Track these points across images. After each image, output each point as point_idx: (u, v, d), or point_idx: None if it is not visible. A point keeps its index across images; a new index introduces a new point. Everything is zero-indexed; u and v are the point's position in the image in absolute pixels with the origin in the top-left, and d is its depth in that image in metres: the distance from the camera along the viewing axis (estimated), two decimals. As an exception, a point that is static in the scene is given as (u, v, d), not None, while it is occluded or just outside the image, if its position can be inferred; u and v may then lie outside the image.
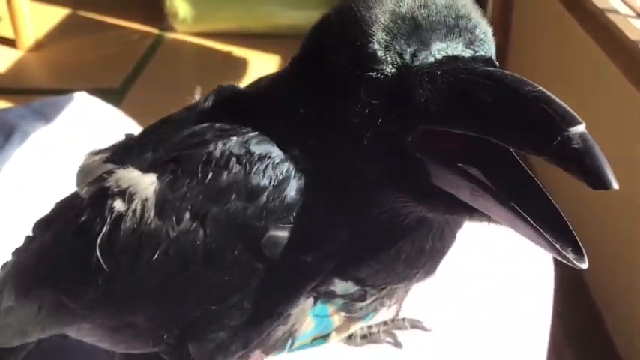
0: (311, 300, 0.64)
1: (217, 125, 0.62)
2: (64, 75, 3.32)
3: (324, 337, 0.77)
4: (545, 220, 0.46)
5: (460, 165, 0.50)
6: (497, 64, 0.53)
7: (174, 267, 0.59)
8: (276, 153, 0.58)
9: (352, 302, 0.67)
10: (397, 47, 0.51)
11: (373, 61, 0.52)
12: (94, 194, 0.65)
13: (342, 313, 0.69)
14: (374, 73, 0.52)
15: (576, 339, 1.78)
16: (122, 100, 3.00)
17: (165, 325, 0.63)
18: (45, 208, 0.79)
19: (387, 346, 0.88)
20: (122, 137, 0.75)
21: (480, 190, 0.48)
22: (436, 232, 0.62)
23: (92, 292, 0.64)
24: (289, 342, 0.68)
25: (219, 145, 0.59)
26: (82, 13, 3.96)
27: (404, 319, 0.89)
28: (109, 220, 0.62)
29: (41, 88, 3.11)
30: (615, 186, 0.42)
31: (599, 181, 0.42)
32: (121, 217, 0.61)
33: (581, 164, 0.42)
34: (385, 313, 0.79)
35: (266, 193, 0.57)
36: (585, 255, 0.45)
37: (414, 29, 0.51)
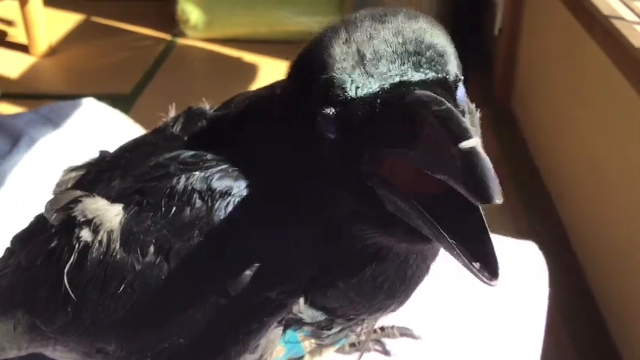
0: (280, 329, 0.65)
1: (182, 157, 0.63)
2: (76, 80, 3.36)
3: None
4: (470, 242, 0.47)
5: (405, 192, 0.50)
6: (459, 78, 0.54)
7: (140, 299, 0.60)
8: (237, 190, 0.59)
9: (319, 330, 0.67)
10: (341, 82, 0.52)
11: (322, 97, 0.53)
12: (61, 222, 0.66)
13: (312, 340, 0.69)
14: (324, 108, 0.53)
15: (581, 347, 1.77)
16: (133, 106, 3.02)
17: (134, 355, 0.64)
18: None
19: (375, 354, 0.89)
20: (96, 154, 0.76)
21: (415, 212, 0.49)
22: (412, 263, 0.62)
23: (62, 318, 0.65)
24: None
25: (182, 179, 0.60)
26: (96, 19, 4.00)
27: (393, 327, 0.89)
28: (76, 248, 0.63)
29: (54, 94, 3.14)
30: (498, 200, 0.42)
31: (481, 195, 0.42)
32: (87, 247, 0.62)
33: (465, 178, 0.43)
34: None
35: (227, 231, 0.58)
36: (498, 278, 0.46)
37: (359, 61, 0.52)
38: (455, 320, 0.95)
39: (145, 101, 3.07)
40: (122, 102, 2.95)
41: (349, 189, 0.54)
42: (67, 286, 0.63)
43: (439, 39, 0.54)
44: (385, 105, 0.50)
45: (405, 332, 0.90)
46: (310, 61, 0.55)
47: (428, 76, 0.52)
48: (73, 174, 0.75)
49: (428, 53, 0.52)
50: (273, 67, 3.27)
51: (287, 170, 0.59)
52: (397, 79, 0.51)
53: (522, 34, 2.72)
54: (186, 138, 0.69)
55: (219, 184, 0.59)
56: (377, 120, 0.51)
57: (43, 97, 3.02)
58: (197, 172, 0.60)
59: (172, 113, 0.75)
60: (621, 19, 1.70)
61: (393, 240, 0.57)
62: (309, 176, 0.57)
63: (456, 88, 0.53)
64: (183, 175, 0.61)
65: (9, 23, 3.75)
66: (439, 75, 0.52)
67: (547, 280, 1.05)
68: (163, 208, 0.60)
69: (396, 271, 0.62)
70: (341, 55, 0.53)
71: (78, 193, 0.67)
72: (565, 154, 2.18)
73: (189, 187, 0.60)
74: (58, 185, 0.75)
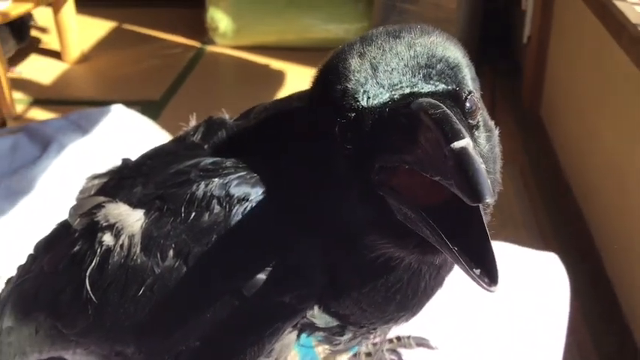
0: (295, 333, 0.66)
1: (201, 164, 0.65)
2: (107, 87, 3.42)
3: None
4: (472, 249, 0.48)
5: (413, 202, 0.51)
6: (470, 91, 0.55)
7: (159, 302, 0.62)
8: (254, 196, 0.60)
9: (331, 336, 0.68)
10: (354, 92, 0.54)
11: (338, 107, 0.54)
12: (85, 226, 0.68)
13: (326, 346, 0.70)
14: (340, 119, 0.54)
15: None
16: (162, 112, 3.07)
17: (152, 357, 0.65)
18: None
19: (391, 364, 0.89)
20: (119, 162, 0.78)
21: (421, 220, 0.50)
22: (425, 275, 0.63)
23: (84, 321, 0.66)
24: None
25: (202, 185, 0.62)
26: (127, 26, 4.06)
27: (409, 337, 0.90)
28: (98, 252, 0.65)
29: (85, 100, 3.20)
30: (489, 200, 0.43)
31: (472, 194, 0.43)
32: (109, 250, 0.64)
33: (457, 178, 0.44)
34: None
35: (245, 236, 0.59)
36: (498, 284, 0.47)
37: (372, 73, 0.54)
38: (471, 331, 0.94)
39: (174, 107, 3.12)
40: (152, 108, 3.00)
41: (361, 198, 0.55)
42: (89, 289, 0.64)
43: (452, 52, 0.55)
44: (392, 113, 0.52)
45: (421, 342, 0.90)
46: (328, 74, 0.57)
47: (438, 88, 0.53)
48: (96, 181, 0.77)
49: (439, 66, 0.54)
50: (301, 74, 3.29)
51: (303, 178, 0.60)
52: (407, 90, 0.53)
53: (551, 41, 2.70)
54: (206, 147, 0.70)
55: (237, 191, 0.61)
56: (385, 128, 0.52)
57: (74, 103, 3.09)
58: (216, 179, 0.62)
59: (193, 123, 0.77)
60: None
61: (404, 251, 0.57)
62: (324, 185, 0.58)
63: (466, 100, 0.54)
64: (203, 182, 0.62)
65: (43, 30, 3.83)
66: (449, 87, 0.53)
67: (568, 292, 1.04)
68: (183, 214, 0.61)
69: (408, 283, 0.62)
70: (355, 67, 0.54)
71: (101, 198, 0.69)
72: (592, 162, 2.16)
73: (209, 194, 0.61)
74: (82, 192, 0.77)
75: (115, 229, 0.64)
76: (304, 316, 0.63)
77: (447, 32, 0.58)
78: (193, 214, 0.61)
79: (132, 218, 0.64)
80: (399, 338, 0.89)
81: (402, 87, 0.53)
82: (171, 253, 0.61)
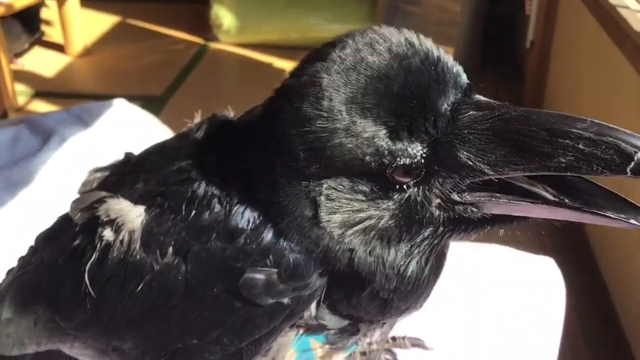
0: (293, 333, 0.66)
1: (204, 162, 0.65)
2: (109, 81, 3.43)
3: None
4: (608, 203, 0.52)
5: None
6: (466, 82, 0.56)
7: (157, 299, 0.62)
8: (255, 196, 0.60)
9: (344, 336, 0.68)
10: (411, 127, 0.53)
11: (393, 153, 0.53)
12: (85, 221, 0.68)
13: (326, 346, 0.70)
14: (400, 161, 0.53)
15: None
16: (164, 107, 3.07)
17: (149, 354, 0.66)
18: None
19: (386, 364, 0.89)
20: (122, 156, 0.78)
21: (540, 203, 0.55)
22: (432, 266, 0.63)
23: (81, 315, 0.67)
24: None
25: (203, 184, 0.62)
26: (131, 21, 4.07)
27: (404, 337, 0.90)
28: (98, 247, 0.65)
29: (87, 93, 3.21)
30: None
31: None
32: (109, 245, 0.64)
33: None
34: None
35: (244, 236, 0.59)
36: None
37: (421, 100, 0.53)
38: (466, 333, 0.95)
39: (176, 103, 3.12)
40: (153, 103, 3.00)
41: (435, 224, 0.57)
42: (88, 284, 0.65)
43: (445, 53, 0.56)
44: (483, 132, 0.52)
45: (416, 343, 0.90)
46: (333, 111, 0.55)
47: (459, 92, 0.55)
48: (98, 174, 0.77)
49: (454, 70, 0.55)
50: (303, 72, 3.28)
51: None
52: (451, 102, 0.54)
53: (553, 47, 2.70)
54: (209, 144, 0.71)
55: (237, 190, 0.61)
56: (480, 148, 0.52)
57: (76, 97, 3.09)
58: (217, 178, 0.62)
59: (197, 119, 0.77)
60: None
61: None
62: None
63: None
64: (204, 180, 0.62)
65: (47, 23, 3.83)
66: (463, 84, 0.55)
67: (564, 296, 1.05)
68: (183, 212, 0.62)
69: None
70: (399, 100, 0.54)
71: (103, 193, 0.69)
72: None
73: (210, 192, 0.61)
74: (84, 185, 0.77)
75: (115, 225, 0.64)
76: (302, 317, 0.63)
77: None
78: (194, 212, 0.61)
79: (133, 214, 0.64)
80: (394, 338, 0.89)
81: (444, 101, 0.54)
82: (170, 250, 0.61)
